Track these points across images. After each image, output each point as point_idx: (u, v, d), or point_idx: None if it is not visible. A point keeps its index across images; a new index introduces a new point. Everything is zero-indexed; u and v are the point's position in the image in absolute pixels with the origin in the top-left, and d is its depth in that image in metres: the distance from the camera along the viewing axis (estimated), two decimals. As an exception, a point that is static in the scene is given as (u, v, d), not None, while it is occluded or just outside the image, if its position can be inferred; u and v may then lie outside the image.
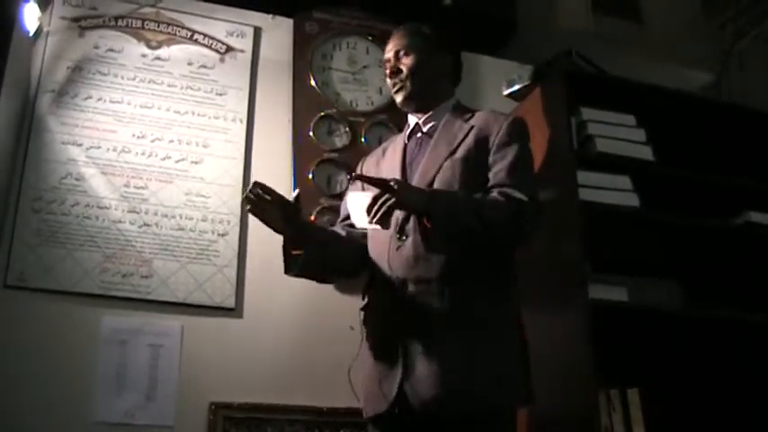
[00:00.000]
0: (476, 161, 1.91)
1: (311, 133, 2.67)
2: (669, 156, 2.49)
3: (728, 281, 2.69)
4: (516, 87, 2.63)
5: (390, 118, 2.74)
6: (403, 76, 2.04)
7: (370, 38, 2.89)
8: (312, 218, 2.54)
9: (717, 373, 2.60)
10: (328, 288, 2.53)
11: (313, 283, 2.49)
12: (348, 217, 2.00)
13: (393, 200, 1.74)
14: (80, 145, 2.46)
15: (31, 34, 2.45)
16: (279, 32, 2.83)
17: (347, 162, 2.62)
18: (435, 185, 1.90)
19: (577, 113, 2.43)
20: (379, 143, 2.42)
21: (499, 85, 2.73)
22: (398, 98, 2.07)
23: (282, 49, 2.80)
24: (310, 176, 2.61)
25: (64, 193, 2.40)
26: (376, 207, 1.74)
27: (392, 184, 1.75)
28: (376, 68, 2.84)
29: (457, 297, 1.81)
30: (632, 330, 2.43)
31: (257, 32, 2.81)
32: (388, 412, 1.81)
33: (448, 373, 1.75)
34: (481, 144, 1.93)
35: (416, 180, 1.93)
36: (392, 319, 1.85)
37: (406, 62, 2.05)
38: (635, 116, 2.49)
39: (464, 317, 1.80)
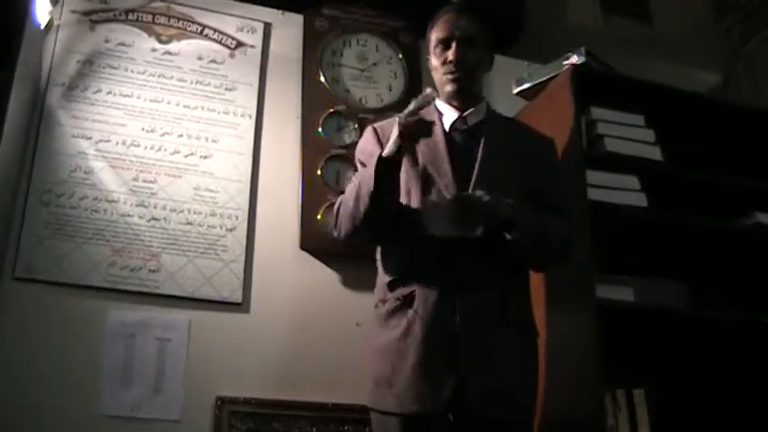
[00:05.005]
0: (528, 172, 1.99)
1: (320, 129, 2.67)
2: (677, 156, 2.49)
3: (736, 282, 2.69)
4: (526, 86, 2.63)
5: (400, 115, 2.74)
6: (467, 67, 2.01)
7: (380, 35, 2.90)
8: (319, 216, 2.56)
9: (723, 374, 2.60)
10: (335, 284, 2.55)
11: (319, 280, 2.54)
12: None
13: (486, 209, 1.77)
14: (89, 138, 2.47)
15: (42, 27, 2.45)
16: (289, 28, 2.83)
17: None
18: (490, 183, 1.88)
19: (587, 113, 2.42)
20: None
21: (508, 83, 2.73)
22: (451, 87, 2.02)
23: (292, 45, 2.80)
24: (319, 173, 2.61)
25: (73, 187, 2.40)
26: (467, 215, 1.78)
27: (480, 194, 1.77)
28: (386, 65, 2.85)
29: (514, 300, 1.89)
30: (638, 331, 2.43)
31: (267, 28, 2.81)
32: (444, 409, 1.75)
33: (511, 377, 1.80)
34: (533, 158, 2.02)
35: (477, 174, 1.92)
36: (450, 320, 1.79)
37: (473, 55, 2.02)
38: (644, 116, 2.49)
39: (519, 320, 1.90)
